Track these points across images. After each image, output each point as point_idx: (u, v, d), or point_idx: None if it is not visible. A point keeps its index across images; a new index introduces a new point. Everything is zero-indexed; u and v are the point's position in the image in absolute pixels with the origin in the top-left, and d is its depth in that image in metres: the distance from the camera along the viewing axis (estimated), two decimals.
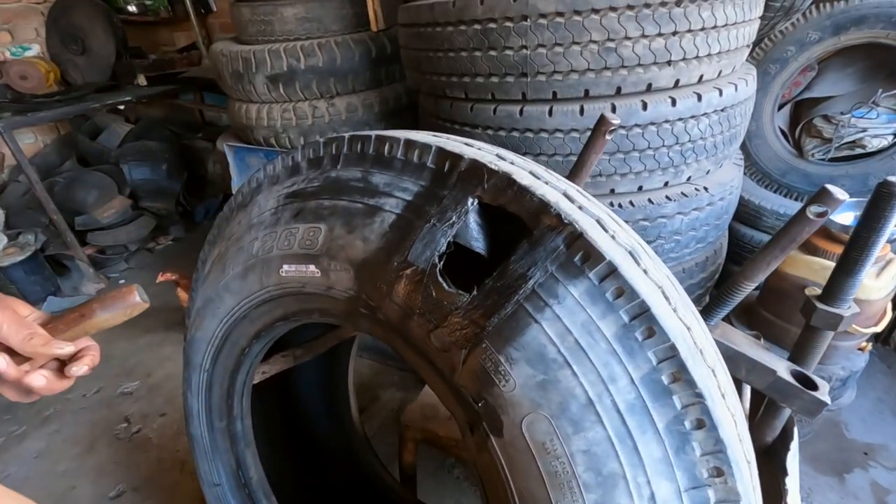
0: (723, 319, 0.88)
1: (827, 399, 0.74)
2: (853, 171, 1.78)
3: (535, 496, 0.53)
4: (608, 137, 0.89)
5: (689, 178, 1.37)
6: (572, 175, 0.98)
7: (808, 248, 1.38)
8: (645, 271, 0.53)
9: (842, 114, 1.80)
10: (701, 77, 1.24)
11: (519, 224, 0.55)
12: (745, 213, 1.87)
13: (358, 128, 1.92)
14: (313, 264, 0.67)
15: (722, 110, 1.28)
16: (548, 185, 0.58)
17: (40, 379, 0.58)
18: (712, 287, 1.68)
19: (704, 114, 1.25)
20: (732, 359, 0.81)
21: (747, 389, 0.96)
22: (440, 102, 1.48)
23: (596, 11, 1.09)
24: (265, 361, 0.99)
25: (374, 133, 0.68)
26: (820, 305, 0.75)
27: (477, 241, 0.58)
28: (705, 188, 1.36)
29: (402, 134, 0.66)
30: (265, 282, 0.74)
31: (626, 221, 1.03)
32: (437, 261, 0.57)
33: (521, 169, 0.59)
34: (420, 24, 1.36)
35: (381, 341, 0.67)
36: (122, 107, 3.27)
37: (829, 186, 0.64)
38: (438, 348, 0.57)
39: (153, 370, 2.17)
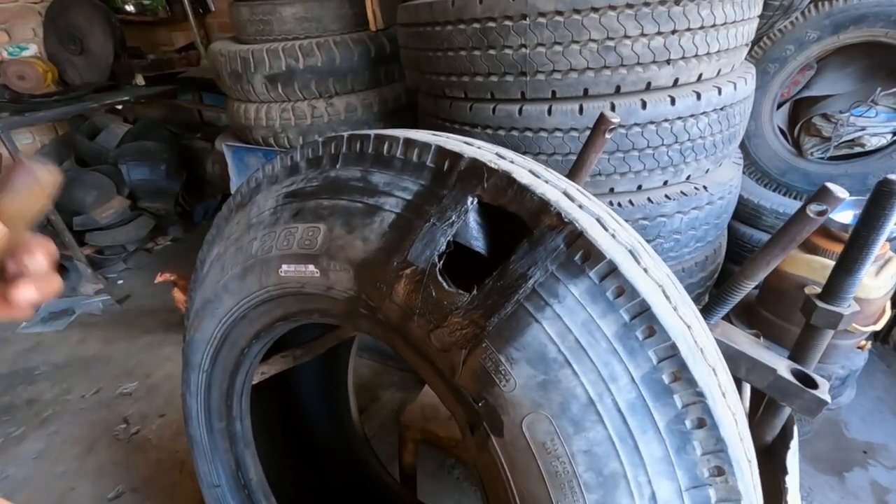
0: (722, 318, 0.88)
1: (827, 398, 0.74)
2: (852, 170, 1.78)
3: (536, 496, 0.53)
4: (608, 136, 0.89)
5: (688, 177, 1.37)
6: (572, 174, 0.98)
7: (808, 247, 1.38)
8: (645, 270, 0.53)
9: (841, 112, 1.80)
10: (700, 76, 1.23)
11: (519, 223, 0.55)
12: (745, 212, 1.87)
13: (357, 128, 1.92)
14: (312, 264, 0.67)
15: (721, 109, 1.28)
16: (548, 183, 0.57)
17: None
18: (712, 286, 1.68)
19: (703, 112, 1.25)
20: (732, 358, 0.81)
21: (747, 388, 0.96)
22: (439, 102, 1.47)
23: (595, 10, 1.09)
24: (264, 362, 0.99)
25: (373, 132, 0.68)
26: (820, 304, 0.75)
27: (477, 240, 0.58)
28: (705, 187, 1.36)
29: (402, 133, 0.66)
30: (264, 282, 0.74)
31: (626, 220, 1.03)
32: (436, 260, 0.57)
33: (521, 168, 0.59)
34: (419, 24, 1.36)
35: (381, 341, 0.67)
36: (120, 107, 3.26)
37: (830, 185, 0.64)
38: (438, 348, 0.57)
39: (152, 371, 2.17)
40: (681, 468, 0.49)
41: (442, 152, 0.60)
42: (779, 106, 1.92)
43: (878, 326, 1.40)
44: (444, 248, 0.57)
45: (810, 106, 1.90)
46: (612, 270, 0.50)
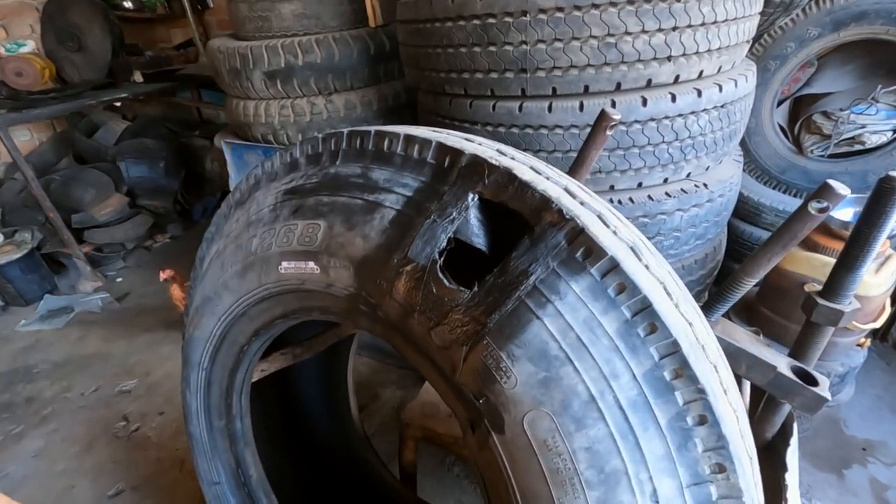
0: (722, 316, 0.88)
1: (827, 395, 0.74)
2: (852, 168, 1.78)
3: (537, 494, 0.53)
4: (609, 133, 0.89)
5: (688, 175, 1.37)
6: (573, 171, 0.98)
7: (808, 245, 1.38)
8: (646, 267, 0.53)
9: (841, 110, 1.80)
10: (701, 73, 1.23)
11: (519, 220, 0.54)
12: (745, 210, 1.87)
13: (356, 125, 1.91)
14: (312, 261, 0.67)
15: (722, 106, 1.28)
16: (549, 180, 0.57)
17: None
18: (711, 284, 1.68)
19: (704, 110, 1.25)
20: (733, 355, 0.80)
21: (747, 385, 0.96)
22: (439, 99, 1.47)
23: (596, 7, 1.09)
24: (264, 359, 0.99)
25: (373, 128, 0.67)
26: (821, 301, 0.75)
27: (478, 237, 0.58)
28: (705, 185, 1.36)
29: (402, 129, 0.66)
30: (264, 279, 0.74)
31: (626, 218, 1.03)
32: (437, 257, 0.56)
33: (522, 164, 0.58)
34: (419, 21, 1.35)
35: (381, 339, 0.67)
36: (118, 104, 3.25)
37: (831, 181, 0.63)
38: (439, 346, 0.57)
39: (152, 369, 2.17)
40: (682, 465, 0.49)
41: (443, 149, 0.60)
42: (779, 103, 1.92)
43: (878, 324, 1.41)
44: (444, 244, 0.56)
45: (811, 103, 1.90)
46: (614, 267, 0.50)
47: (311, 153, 0.74)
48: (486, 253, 0.57)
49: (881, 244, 0.69)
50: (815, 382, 0.75)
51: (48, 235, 2.74)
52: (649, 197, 1.32)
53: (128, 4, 3.45)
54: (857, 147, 1.81)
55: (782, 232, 0.69)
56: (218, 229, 0.91)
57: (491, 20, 1.17)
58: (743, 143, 1.92)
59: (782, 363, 0.78)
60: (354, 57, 1.85)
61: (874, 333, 1.86)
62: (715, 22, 1.15)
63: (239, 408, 0.91)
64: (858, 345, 1.51)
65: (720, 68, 1.28)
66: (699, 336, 0.52)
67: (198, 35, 3.51)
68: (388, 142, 0.64)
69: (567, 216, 0.51)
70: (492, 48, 1.21)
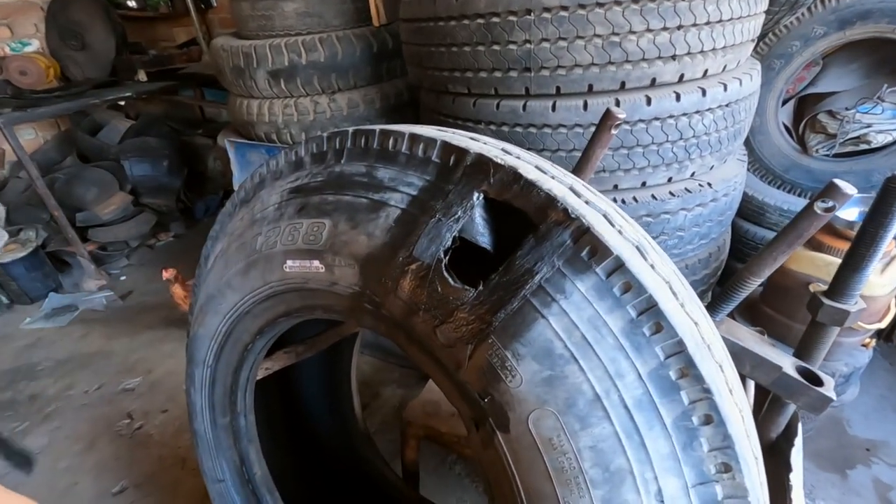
0: (726, 315, 0.88)
1: (832, 395, 0.74)
2: (857, 168, 1.77)
3: (542, 492, 0.53)
4: (613, 132, 0.88)
5: (692, 174, 1.36)
6: (577, 170, 0.98)
7: (812, 245, 1.38)
8: (652, 266, 0.53)
9: (846, 109, 1.79)
10: (705, 72, 1.23)
11: (523, 219, 0.54)
12: (749, 210, 1.87)
13: (359, 124, 1.91)
14: (317, 260, 0.67)
15: (726, 105, 1.27)
16: (554, 179, 0.57)
17: None
18: (715, 283, 1.67)
19: (709, 109, 1.24)
20: (737, 355, 0.80)
21: (751, 385, 0.96)
22: (442, 98, 1.47)
23: (601, 5, 1.08)
24: (268, 358, 0.99)
25: (378, 127, 0.67)
26: (826, 301, 0.75)
27: (482, 236, 0.58)
28: (709, 184, 1.36)
29: (407, 128, 0.66)
30: (268, 277, 0.74)
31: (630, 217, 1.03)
32: (442, 256, 0.56)
33: (527, 163, 0.58)
34: (422, 19, 1.35)
35: (385, 337, 0.67)
36: (122, 103, 3.26)
37: (837, 181, 0.63)
38: (444, 344, 0.57)
39: (154, 367, 2.18)
40: (687, 465, 0.49)
41: (448, 147, 0.60)
42: (784, 102, 1.91)
43: (883, 324, 1.40)
44: (449, 243, 0.56)
45: (815, 102, 1.89)
46: (619, 266, 0.50)
47: (316, 152, 0.74)
48: (491, 252, 0.57)
49: (887, 244, 0.68)
50: (820, 382, 0.75)
51: (52, 234, 2.75)
52: (653, 196, 1.32)
53: (131, 3, 3.45)
54: (863, 146, 1.80)
55: (788, 231, 0.69)
56: (222, 227, 0.91)
57: (495, 19, 1.17)
58: (747, 143, 1.91)
59: (787, 363, 0.78)
60: (357, 55, 1.85)
61: (879, 334, 1.86)
62: (720, 21, 1.15)
63: (243, 405, 0.91)
64: (863, 345, 1.51)
65: (725, 67, 1.27)
66: (705, 335, 0.52)
67: (201, 34, 3.51)
68: (392, 140, 0.64)
69: (572, 215, 0.51)
70: (495, 47, 1.21)
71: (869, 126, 1.76)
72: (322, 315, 0.74)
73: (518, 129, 1.30)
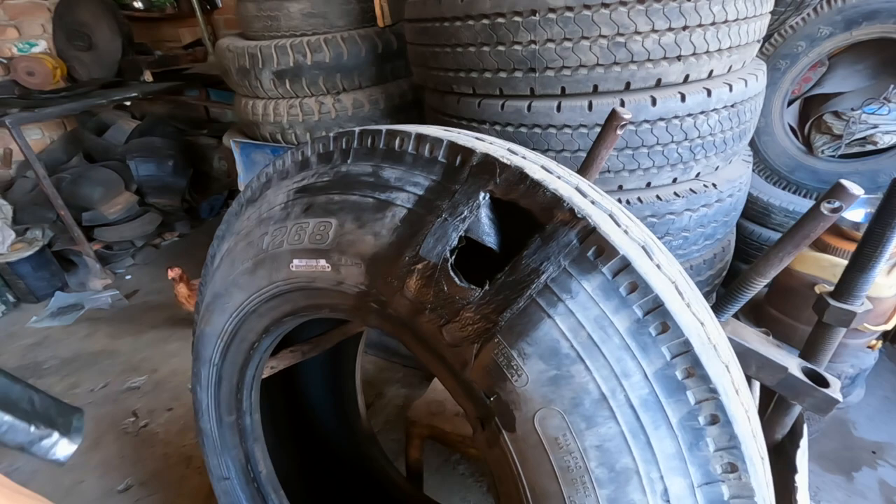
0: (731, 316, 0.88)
1: (839, 396, 0.74)
2: (863, 168, 1.77)
3: (548, 491, 0.53)
4: (619, 132, 0.88)
5: (697, 175, 1.36)
6: (582, 170, 0.98)
7: (818, 246, 1.37)
8: (658, 266, 0.53)
9: (852, 110, 1.78)
10: (711, 72, 1.23)
11: (529, 219, 0.54)
12: (754, 211, 1.86)
13: (363, 124, 1.92)
14: (324, 259, 0.67)
15: (731, 106, 1.27)
16: (560, 179, 0.57)
17: None
18: (720, 284, 1.67)
19: (714, 109, 1.24)
20: (742, 355, 0.80)
21: (756, 386, 0.96)
22: (447, 98, 1.47)
23: (606, 6, 1.08)
24: (273, 356, 0.99)
25: (384, 127, 0.68)
26: (833, 302, 0.74)
27: (488, 235, 0.58)
28: (714, 185, 1.35)
29: (413, 128, 0.66)
30: (275, 277, 0.74)
31: None
32: (448, 255, 0.57)
33: (533, 163, 0.59)
34: (427, 20, 1.35)
35: (391, 336, 0.67)
36: (128, 103, 3.28)
37: (844, 181, 0.63)
38: (450, 343, 0.57)
39: (159, 366, 2.19)
40: (693, 464, 0.49)
41: (454, 147, 0.60)
42: (789, 103, 1.91)
43: (889, 326, 1.39)
44: (455, 243, 0.57)
45: (821, 103, 1.88)
46: (626, 266, 0.50)
47: (323, 152, 0.74)
48: (497, 252, 0.58)
49: (894, 245, 0.68)
50: (826, 384, 0.75)
51: (59, 233, 2.77)
52: (658, 197, 1.31)
53: (137, 4, 3.47)
54: (869, 147, 1.79)
55: (794, 232, 0.69)
56: (229, 227, 0.92)
57: (500, 19, 1.17)
58: (752, 144, 1.91)
59: (793, 364, 0.78)
60: (362, 56, 1.85)
61: (885, 335, 1.85)
62: (725, 21, 1.14)
63: (249, 404, 0.92)
64: (869, 347, 1.50)
65: (730, 68, 1.27)
66: (711, 336, 0.52)
67: (206, 34, 3.53)
68: (399, 141, 0.65)
69: (579, 215, 0.51)
70: (501, 47, 1.21)
71: (875, 127, 1.75)
72: (328, 314, 0.74)
73: (523, 129, 1.30)
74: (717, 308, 0.82)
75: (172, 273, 2.10)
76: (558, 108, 1.23)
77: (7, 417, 0.63)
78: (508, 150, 0.62)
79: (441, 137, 0.62)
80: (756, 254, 1.86)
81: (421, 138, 0.63)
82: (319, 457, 1.37)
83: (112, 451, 1.77)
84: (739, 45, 1.22)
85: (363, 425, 1.42)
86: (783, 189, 1.91)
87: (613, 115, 0.86)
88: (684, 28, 1.12)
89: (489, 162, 0.57)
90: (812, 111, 1.91)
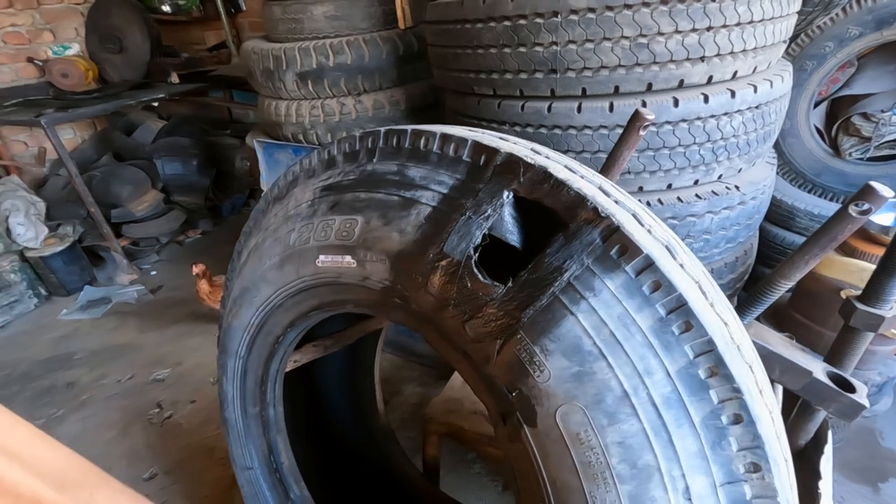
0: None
1: (865, 402, 0.73)
2: (892, 171, 1.72)
3: (569, 486, 0.54)
4: (642, 133, 0.88)
5: (720, 177, 1.35)
6: (604, 171, 0.98)
7: (845, 250, 1.34)
8: (681, 266, 0.53)
9: (882, 112, 1.74)
10: (735, 73, 1.21)
11: (551, 219, 0.55)
12: (778, 214, 1.83)
13: (384, 125, 1.94)
14: (349, 255, 0.69)
15: (756, 107, 1.25)
16: (583, 179, 0.58)
17: None
18: (741, 289, 1.64)
19: (738, 111, 1.23)
20: (766, 359, 0.79)
21: (779, 391, 0.94)
22: (467, 99, 1.48)
23: (628, 7, 1.08)
24: (297, 350, 1.02)
25: (409, 127, 0.69)
26: (860, 306, 0.73)
27: (512, 234, 0.59)
28: (737, 187, 1.34)
29: (438, 128, 0.67)
30: (301, 272, 0.77)
31: None
32: (472, 253, 0.58)
33: (557, 163, 0.59)
34: (448, 21, 1.37)
35: (414, 331, 0.69)
36: (155, 104, 3.38)
37: (874, 183, 0.62)
38: (473, 339, 0.58)
39: (183, 359, 2.25)
40: (716, 463, 0.49)
41: (478, 147, 0.61)
42: (816, 104, 1.87)
43: None
44: (479, 240, 0.58)
45: (850, 105, 1.84)
46: (649, 265, 0.50)
47: (349, 151, 0.76)
48: (519, 250, 0.58)
49: None
50: (852, 389, 0.74)
51: (89, 229, 2.87)
52: (679, 199, 1.30)
53: (166, 8, 3.57)
54: None
55: (821, 234, 0.68)
56: (256, 223, 0.94)
57: (522, 21, 1.18)
58: (777, 146, 1.87)
59: (818, 368, 0.77)
60: (383, 58, 1.88)
61: None
62: (751, 22, 1.13)
63: (273, 396, 0.94)
64: None
65: (755, 69, 1.25)
66: (734, 336, 0.52)
67: (230, 37, 3.61)
68: (424, 140, 0.66)
69: (602, 214, 0.52)
70: (522, 49, 1.22)
71: None
72: (353, 309, 0.76)
73: (543, 130, 1.30)
74: (740, 310, 0.81)
75: (197, 269, 2.16)
76: (579, 110, 1.23)
77: None
78: (532, 149, 0.63)
79: (466, 137, 0.63)
80: (779, 258, 1.82)
81: (446, 138, 0.64)
82: (337, 451, 1.40)
83: (138, 440, 1.83)
84: (765, 45, 1.20)
85: (381, 421, 1.44)
86: (808, 192, 1.87)
87: (636, 116, 0.87)
88: (708, 29, 1.11)
89: (513, 161, 0.58)
90: (840, 113, 1.87)
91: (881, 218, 1.35)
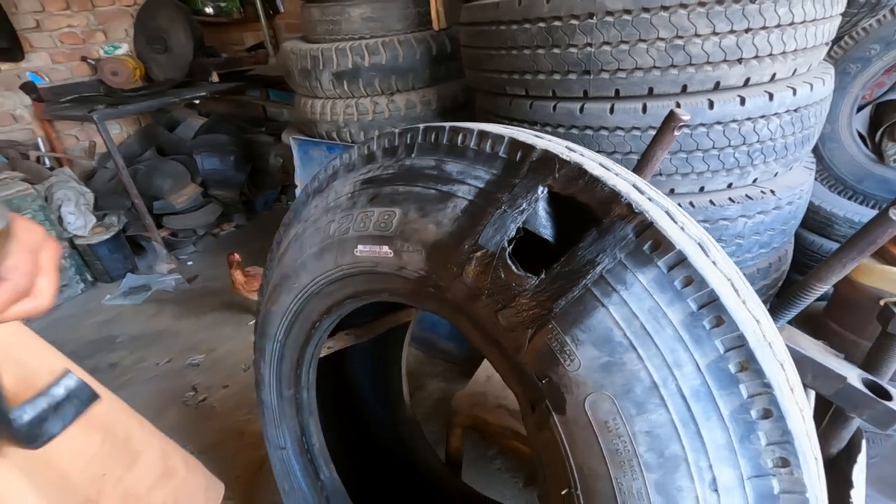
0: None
1: None
2: None
3: (596, 473, 0.55)
4: (676, 133, 0.89)
5: (754, 181, 1.33)
6: (636, 171, 0.99)
7: (887, 258, 1.30)
8: (714, 263, 0.54)
9: None
10: (773, 75, 1.19)
11: (584, 215, 0.57)
12: (815, 221, 1.78)
13: (415, 124, 1.98)
14: (387, 245, 0.72)
15: (794, 110, 1.23)
16: (618, 176, 0.59)
17: None
18: (774, 296, 1.60)
19: (775, 114, 1.21)
20: (798, 363, 0.79)
21: (812, 396, 0.93)
22: (498, 100, 1.50)
23: (665, 8, 1.08)
24: (331, 337, 1.06)
25: (448, 124, 0.72)
26: None
27: (545, 228, 0.61)
28: (772, 191, 1.31)
29: (475, 125, 0.70)
30: (339, 261, 0.80)
31: None
32: (506, 245, 0.60)
33: (591, 161, 0.61)
34: (483, 23, 1.39)
35: (447, 320, 0.71)
36: (196, 101, 3.52)
37: None
38: (505, 328, 0.60)
39: (216, 346, 2.34)
40: (744, 457, 0.50)
41: (515, 143, 0.63)
42: (859, 109, 1.81)
43: None
44: (513, 233, 0.60)
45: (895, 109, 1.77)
46: (682, 261, 0.51)
47: (388, 146, 0.80)
48: (552, 244, 0.60)
49: None
50: (888, 396, 0.73)
51: (132, 220, 3.02)
52: (711, 202, 1.29)
53: (208, 10, 3.72)
54: None
55: (859, 237, 0.68)
56: (296, 215, 0.99)
57: (556, 22, 1.20)
58: (816, 150, 1.82)
59: (852, 374, 0.76)
60: (417, 58, 1.92)
61: None
62: (791, 23, 1.11)
63: (307, 380, 0.99)
64: None
65: (795, 71, 1.23)
66: (766, 334, 0.53)
67: (268, 38, 3.73)
68: (462, 136, 0.69)
69: (636, 210, 0.53)
70: (555, 50, 1.24)
71: None
72: (387, 298, 0.79)
73: (574, 130, 1.31)
74: (774, 312, 0.81)
75: (233, 259, 2.25)
76: (611, 111, 1.24)
77: None
78: (567, 147, 0.65)
79: (502, 134, 0.65)
80: (816, 266, 1.77)
81: (483, 135, 0.67)
82: (364, 438, 1.44)
83: (174, 420, 1.92)
84: (805, 47, 1.18)
85: (407, 412, 1.47)
86: (848, 199, 1.81)
87: (671, 116, 0.87)
88: (747, 30, 1.10)
89: (549, 158, 0.60)
90: (885, 118, 1.80)
91: None
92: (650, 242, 0.52)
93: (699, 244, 0.55)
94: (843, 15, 1.35)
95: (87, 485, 0.66)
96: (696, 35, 1.11)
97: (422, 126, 0.75)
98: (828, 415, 0.88)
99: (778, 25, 1.11)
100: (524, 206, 0.61)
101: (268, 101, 3.80)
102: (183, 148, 3.32)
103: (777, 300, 0.89)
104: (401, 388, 1.45)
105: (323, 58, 1.91)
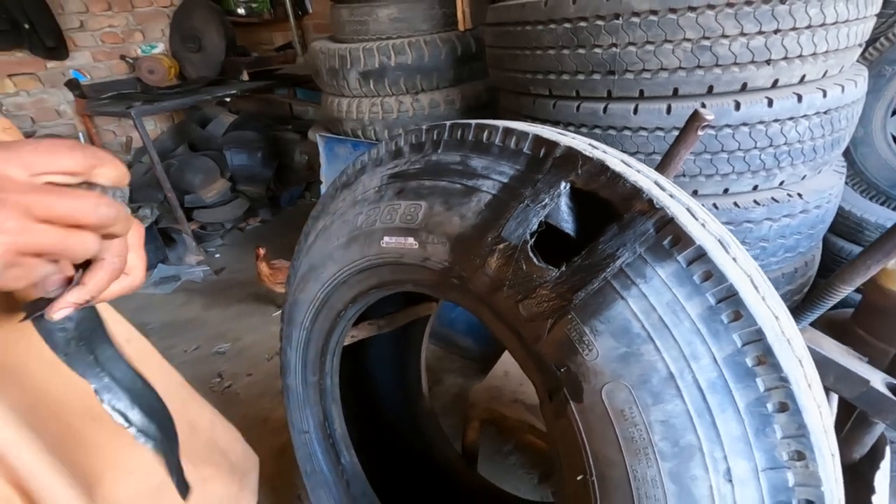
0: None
1: None
2: None
3: (612, 460, 0.57)
4: (700, 133, 0.89)
5: (781, 183, 1.31)
6: (659, 170, 0.99)
7: None
8: (734, 259, 0.55)
9: None
10: (803, 77, 1.18)
11: (605, 210, 0.59)
12: (845, 226, 1.74)
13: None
14: (412, 237, 0.75)
15: (824, 113, 1.21)
16: (639, 173, 0.61)
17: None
18: (799, 301, 1.57)
19: (804, 116, 1.19)
20: (821, 365, 0.78)
21: (834, 399, 0.92)
22: (522, 99, 1.52)
23: (693, 9, 1.09)
24: (354, 327, 1.10)
25: (473, 121, 0.74)
26: None
27: (567, 222, 0.63)
28: (799, 195, 1.29)
29: (500, 122, 0.72)
30: (366, 251, 0.84)
31: None
32: (528, 238, 0.62)
33: (614, 157, 0.63)
34: (509, 23, 1.41)
35: (468, 310, 0.74)
36: (227, 99, 3.64)
37: None
38: (525, 318, 0.63)
39: (241, 335, 2.42)
40: (759, 449, 0.51)
41: (539, 140, 0.65)
42: (894, 112, 1.76)
43: None
44: (535, 227, 0.62)
45: None
46: (701, 256, 0.53)
47: (415, 142, 0.83)
48: (573, 238, 0.62)
49: None
50: None
51: (164, 212, 3.14)
52: (735, 204, 1.28)
53: (240, 10, 3.84)
54: None
55: (886, 239, 0.67)
56: (324, 208, 1.03)
57: (582, 23, 1.21)
58: (847, 154, 1.78)
59: (876, 378, 0.75)
60: (442, 58, 1.95)
61: None
62: (823, 24, 1.10)
63: (331, 367, 1.02)
64: None
65: (825, 73, 1.21)
66: (785, 330, 0.54)
67: (296, 38, 3.82)
68: (487, 133, 0.71)
69: (657, 205, 0.54)
70: (580, 50, 1.25)
71: None
72: (411, 288, 0.82)
73: (597, 130, 1.32)
74: (796, 314, 0.81)
75: (260, 251, 2.32)
76: (635, 111, 1.24)
77: None
78: (590, 144, 0.67)
79: (527, 131, 0.67)
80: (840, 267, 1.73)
81: (508, 131, 0.69)
82: (383, 428, 1.47)
83: None
84: (837, 49, 1.16)
85: (425, 404, 1.50)
86: (881, 204, 1.76)
87: (695, 116, 0.87)
88: (776, 31, 1.09)
89: (572, 154, 0.62)
90: None
91: None
92: (670, 237, 0.54)
93: (719, 241, 0.56)
94: (879, 16, 1.32)
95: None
96: (724, 36, 1.10)
97: (448, 123, 0.78)
98: (850, 420, 0.87)
99: (809, 26, 1.09)
100: (546, 200, 0.63)
101: (294, 99, 3.89)
102: (213, 144, 3.43)
103: (801, 302, 0.89)
104: (420, 381, 1.48)
105: (350, 57, 1.96)
